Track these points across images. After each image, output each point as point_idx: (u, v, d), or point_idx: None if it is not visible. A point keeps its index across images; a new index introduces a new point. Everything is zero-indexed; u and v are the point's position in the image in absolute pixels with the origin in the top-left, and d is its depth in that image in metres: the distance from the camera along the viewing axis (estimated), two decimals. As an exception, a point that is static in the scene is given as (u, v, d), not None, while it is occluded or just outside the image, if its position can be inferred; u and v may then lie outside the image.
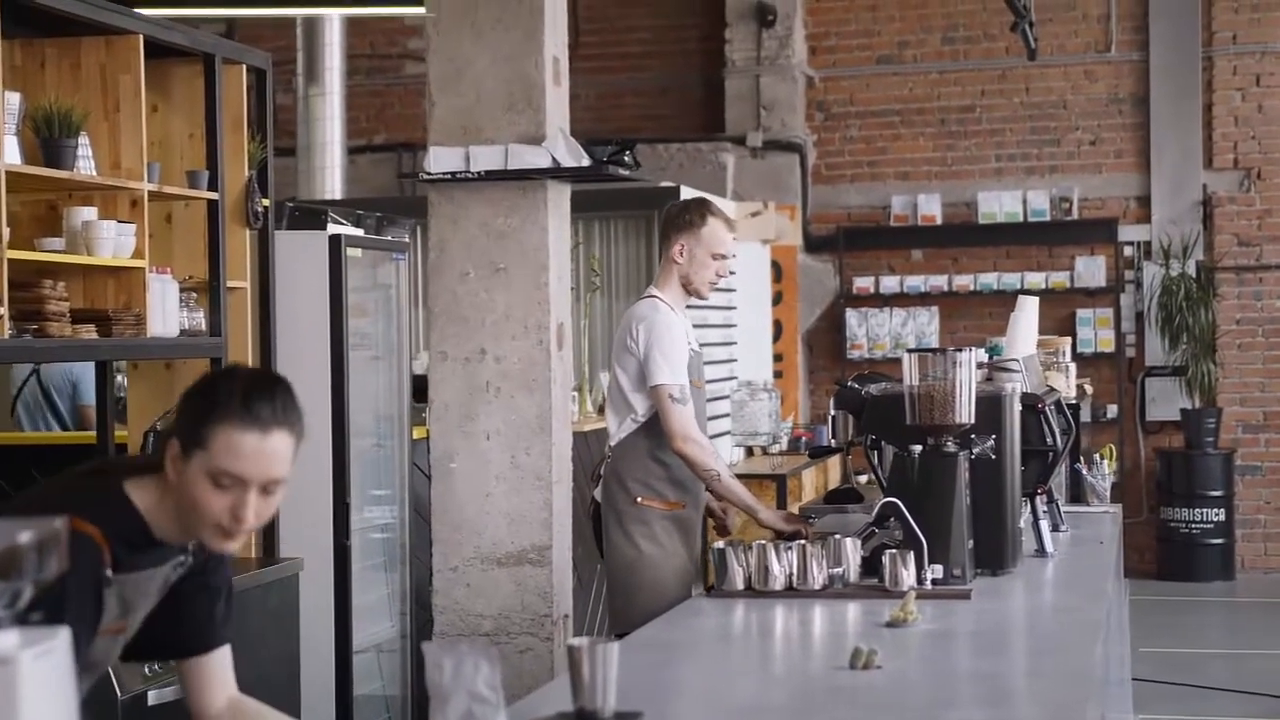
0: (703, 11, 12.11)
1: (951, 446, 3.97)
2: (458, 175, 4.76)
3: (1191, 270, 11.16)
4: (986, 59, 11.69)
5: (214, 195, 5.35)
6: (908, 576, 3.78)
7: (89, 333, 4.76)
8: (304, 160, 10.64)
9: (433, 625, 4.90)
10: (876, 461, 4.37)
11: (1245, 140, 11.35)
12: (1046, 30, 11.18)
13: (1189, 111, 11.36)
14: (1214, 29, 11.37)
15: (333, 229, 6.11)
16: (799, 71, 11.74)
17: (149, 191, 5.03)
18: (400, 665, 6.37)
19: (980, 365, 4.44)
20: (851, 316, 11.63)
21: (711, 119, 11.97)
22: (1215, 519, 10.96)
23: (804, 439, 9.47)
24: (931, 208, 11.62)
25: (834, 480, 8.84)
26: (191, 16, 9.05)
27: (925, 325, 11.55)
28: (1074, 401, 6.03)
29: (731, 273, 9.12)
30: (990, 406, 4.10)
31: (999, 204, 11.52)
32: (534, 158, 4.72)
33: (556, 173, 4.74)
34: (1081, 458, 6.08)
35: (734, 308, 9.60)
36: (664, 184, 9.55)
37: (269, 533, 5.64)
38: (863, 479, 7.16)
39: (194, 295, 5.28)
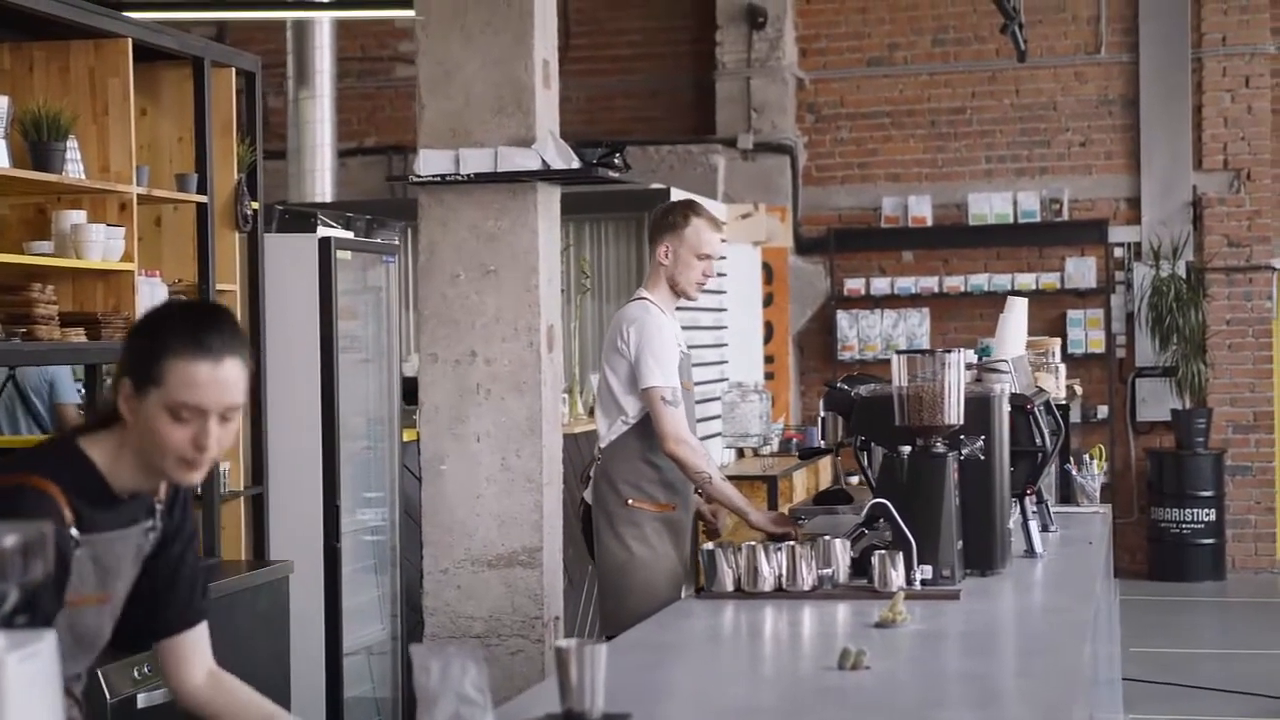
0: (693, 14, 12.12)
1: (940, 447, 3.98)
2: (447, 178, 4.76)
3: (1181, 271, 11.18)
4: (976, 61, 11.71)
5: (203, 198, 5.35)
6: (897, 577, 3.78)
7: (78, 336, 4.76)
8: (294, 163, 10.64)
9: (423, 627, 4.89)
10: (866, 463, 4.38)
11: (1235, 141, 11.37)
12: (1036, 32, 11.21)
13: (1179, 113, 11.39)
14: (1203, 31, 11.40)
15: (322, 232, 6.11)
16: (789, 73, 11.75)
17: (138, 195, 5.03)
18: (391, 667, 6.36)
19: (969, 366, 4.45)
20: (842, 318, 11.64)
21: (702, 121, 11.98)
22: (1206, 519, 10.98)
23: (795, 440, 9.48)
24: (922, 209, 11.63)
25: (825, 481, 8.85)
26: (181, 20, 9.06)
27: (916, 327, 11.56)
28: (1063, 402, 6.03)
29: (721, 274, 9.14)
30: (979, 407, 4.11)
31: (989, 205, 11.54)
32: (523, 160, 4.72)
33: (546, 175, 4.74)
34: (1071, 458, 6.09)
35: (725, 309, 9.60)
36: (654, 186, 9.55)
37: (259, 536, 5.64)
38: (854, 480, 7.16)
39: (183, 298, 5.28)
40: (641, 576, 4.77)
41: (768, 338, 11.12)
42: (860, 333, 11.61)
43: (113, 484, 2.53)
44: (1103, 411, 11.33)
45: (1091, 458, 5.91)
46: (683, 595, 4.67)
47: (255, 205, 5.67)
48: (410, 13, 4.96)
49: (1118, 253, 11.48)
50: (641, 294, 4.92)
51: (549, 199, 4.89)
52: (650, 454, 4.79)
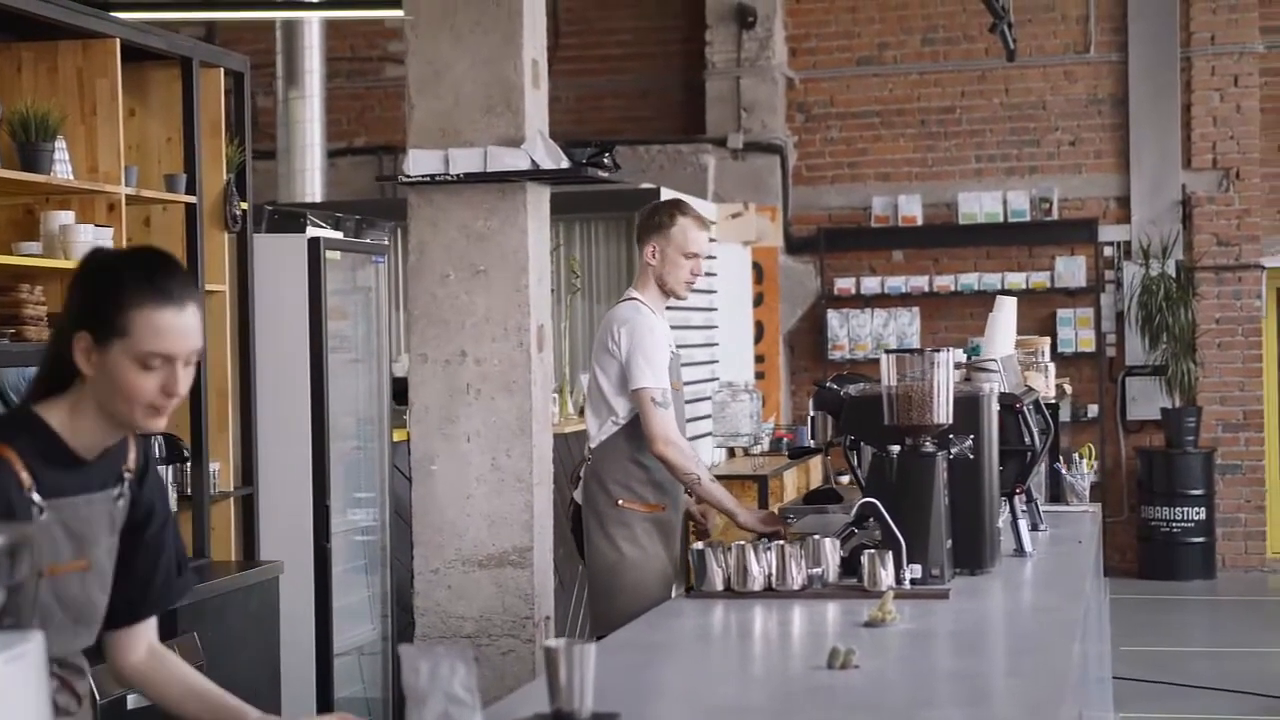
0: (683, 13, 12.12)
1: (929, 447, 3.98)
2: (437, 178, 4.75)
3: (1171, 270, 11.20)
4: (966, 60, 11.72)
5: (192, 199, 5.34)
6: (886, 576, 3.79)
7: (67, 337, 4.74)
8: (284, 163, 10.63)
9: (414, 628, 4.89)
10: (855, 462, 4.38)
11: (1224, 140, 11.39)
12: (1025, 31, 11.21)
13: (1168, 112, 11.41)
14: (1192, 30, 11.42)
15: (312, 232, 6.11)
16: (779, 73, 11.75)
17: (126, 195, 5.02)
18: (381, 668, 6.36)
19: (958, 366, 4.45)
20: (833, 317, 11.65)
21: (692, 121, 11.98)
22: (1196, 518, 10.99)
23: (785, 440, 9.48)
24: (912, 209, 11.64)
25: (816, 480, 8.85)
26: (169, 20, 9.04)
27: (906, 326, 11.57)
28: (1053, 401, 6.04)
29: (711, 274, 9.15)
30: (968, 407, 4.11)
31: (979, 205, 11.55)
32: (513, 160, 4.72)
33: (536, 175, 4.75)
34: (1061, 457, 6.09)
35: (715, 309, 9.61)
36: (644, 186, 9.55)
37: (249, 536, 5.64)
38: (844, 479, 7.16)
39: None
40: (632, 577, 4.78)
41: (758, 337, 11.13)
42: (851, 332, 11.62)
43: (72, 445, 2.51)
44: (1093, 410, 11.35)
45: (1081, 456, 5.92)
46: (673, 595, 4.67)
47: (244, 205, 5.67)
48: (399, 13, 4.96)
49: (1107, 252, 11.49)
50: (632, 294, 4.92)
51: (539, 199, 4.89)
52: (640, 455, 4.79)
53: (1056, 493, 5.87)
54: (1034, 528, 4.81)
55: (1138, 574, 11.08)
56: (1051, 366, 6.43)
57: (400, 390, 5.71)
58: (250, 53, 6.46)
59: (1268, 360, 11.53)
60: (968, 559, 4.11)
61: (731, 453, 9.26)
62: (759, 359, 11.07)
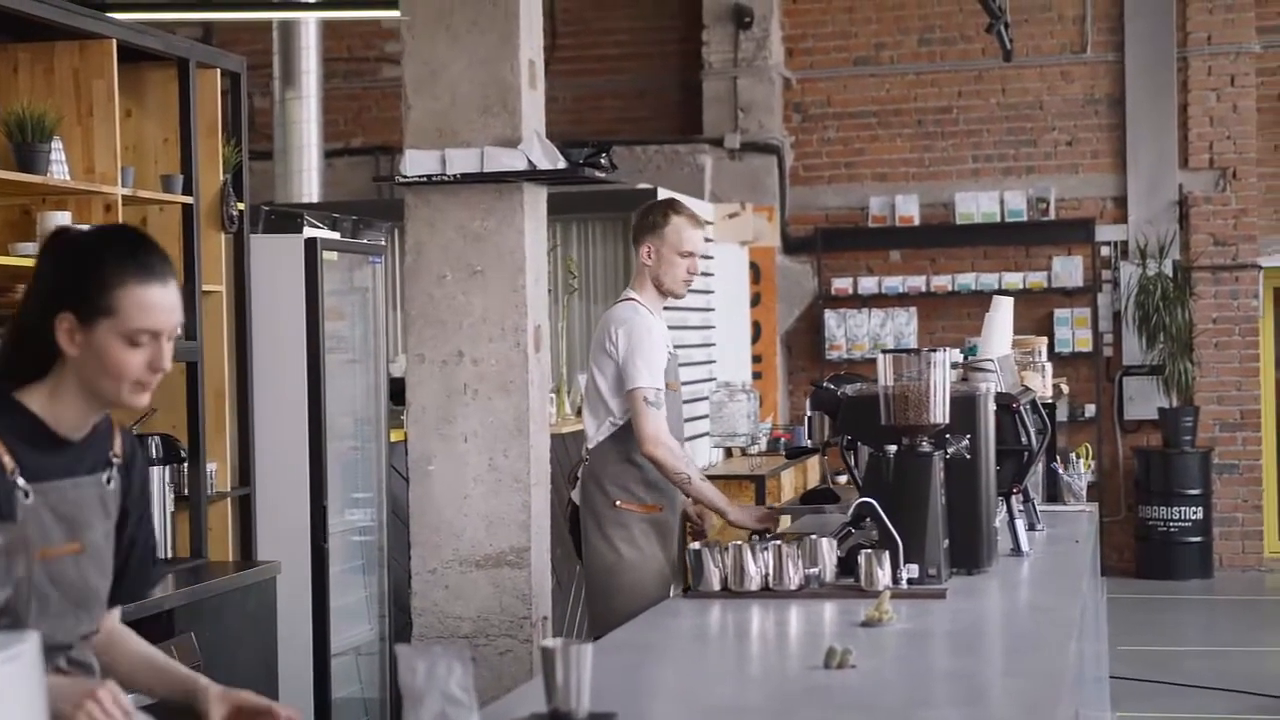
0: (680, 14, 12.12)
1: (926, 446, 3.98)
2: (434, 178, 4.76)
3: (1168, 270, 11.20)
4: (963, 60, 11.73)
5: (189, 199, 5.34)
6: (883, 576, 3.79)
7: (64, 337, 4.74)
8: (281, 163, 10.62)
9: (411, 628, 4.89)
10: (852, 462, 4.38)
11: (1220, 140, 11.40)
12: (1022, 31, 11.22)
13: (1164, 112, 11.41)
14: (1188, 30, 11.42)
15: (309, 232, 6.11)
16: (776, 73, 11.75)
17: (123, 196, 5.02)
18: (379, 668, 6.36)
19: (955, 365, 4.45)
20: (830, 317, 11.65)
21: (689, 121, 11.98)
22: (1193, 517, 11.00)
23: (782, 440, 9.48)
24: (909, 209, 11.64)
25: (814, 480, 8.85)
26: (166, 20, 9.05)
27: (904, 326, 11.57)
28: (1050, 401, 6.04)
29: (708, 274, 9.15)
30: (965, 406, 4.11)
31: (976, 205, 11.55)
32: (510, 160, 4.72)
33: (532, 175, 4.75)
34: (1058, 457, 6.10)
35: (712, 309, 9.61)
36: (641, 186, 9.55)
37: (246, 536, 5.63)
38: (841, 479, 7.17)
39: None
40: (629, 578, 4.78)
41: (755, 337, 11.13)
42: (848, 332, 11.62)
43: (55, 428, 2.51)
44: (1090, 410, 11.35)
45: (1078, 456, 5.92)
46: (670, 596, 4.67)
47: (241, 206, 5.67)
48: (396, 13, 4.96)
49: (1104, 252, 11.50)
50: (629, 295, 4.92)
51: (535, 199, 4.89)
52: (636, 455, 4.79)
53: (1054, 492, 5.87)
54: (1031, 527, 4.81)
55: (1135, 573, 11.09)
56: (1048, 366, 6.43)
57: (397, 390, 5.72)
58: (247, 53, 6.46)
59: (1265, 360, 11.53)
60: (964, 559, 4.11)
61: (729, 453, 9.27)
62: (756, 359, 11.07)
